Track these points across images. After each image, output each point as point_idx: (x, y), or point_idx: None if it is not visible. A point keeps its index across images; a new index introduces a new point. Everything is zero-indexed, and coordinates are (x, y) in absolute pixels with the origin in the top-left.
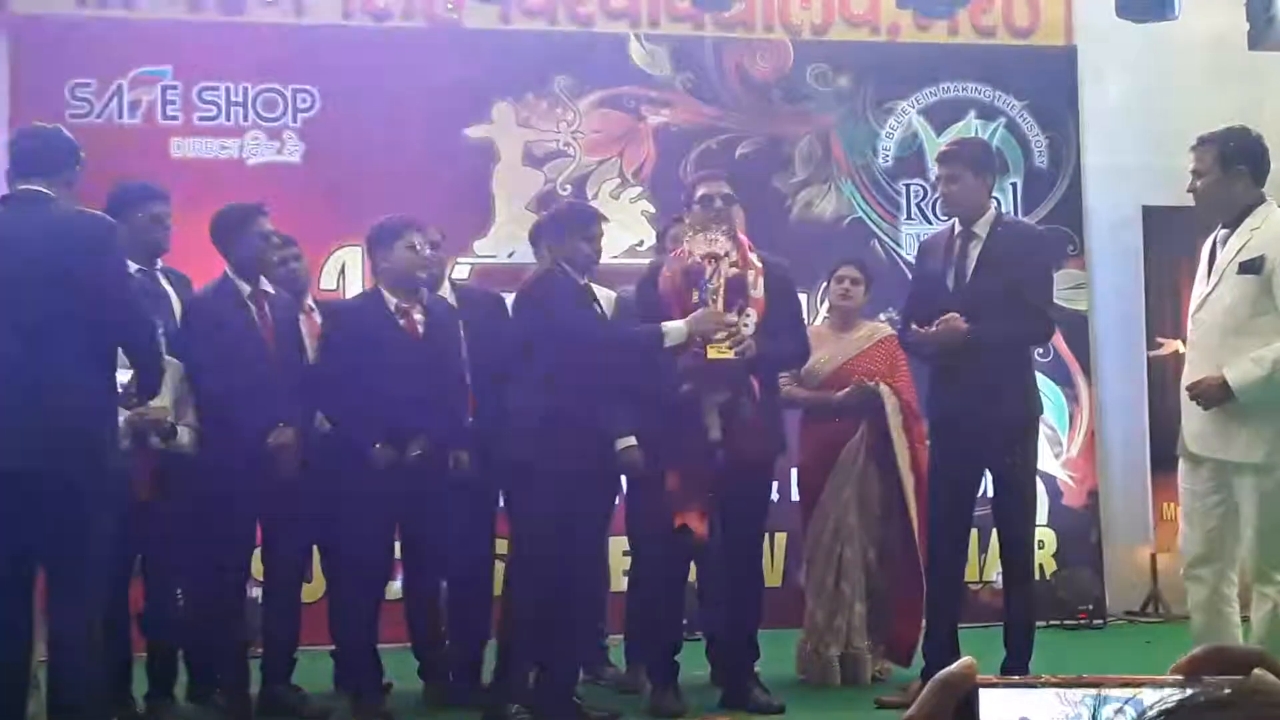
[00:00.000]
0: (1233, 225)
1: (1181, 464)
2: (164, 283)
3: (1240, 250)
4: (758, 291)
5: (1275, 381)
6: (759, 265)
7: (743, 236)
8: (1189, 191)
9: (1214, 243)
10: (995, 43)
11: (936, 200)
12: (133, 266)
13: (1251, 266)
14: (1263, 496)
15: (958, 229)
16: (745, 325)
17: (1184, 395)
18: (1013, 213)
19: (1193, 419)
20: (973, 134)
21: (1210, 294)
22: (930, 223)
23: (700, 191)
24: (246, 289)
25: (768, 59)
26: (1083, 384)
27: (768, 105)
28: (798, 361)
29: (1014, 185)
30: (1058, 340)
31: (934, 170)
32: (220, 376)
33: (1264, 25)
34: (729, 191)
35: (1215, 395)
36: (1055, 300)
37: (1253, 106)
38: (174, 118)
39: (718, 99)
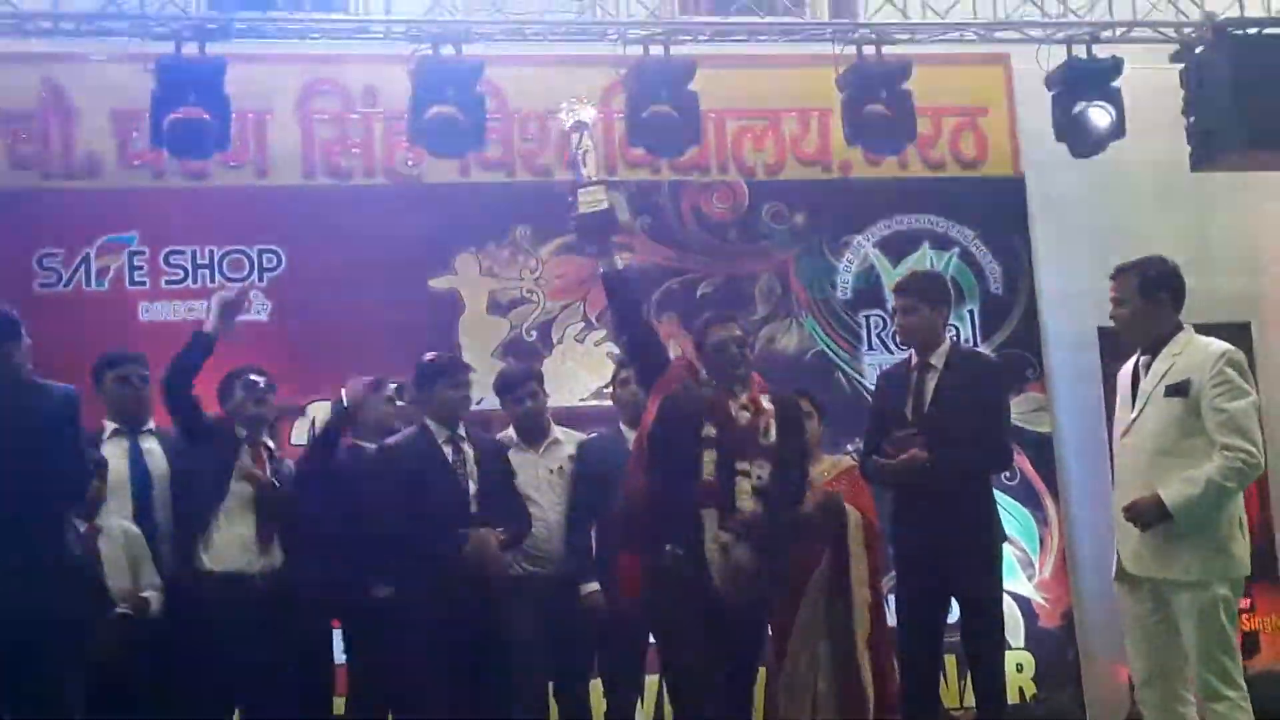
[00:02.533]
0: (1153, 351)
1: (1119, 586)
2: (150, 442)
3: (1165, 374)
4: (769, 439)
5: (1209, 501)
6: (769, 408)
7: (756, 376)
8: (1111, 319)
9: (1135, 368)
10: (945, 175)
11: (895, 331)
12: (110, 427)
13: (1178, 390)
14: (1201, 613)
15: (915, 360)
16: (758, 478)
17: (1118, 518)
18: (971, 339)
19: (1128, 540)
20: (927, 264)
21: (1137, 418)
22: (891, 352)
23: (714, 337)
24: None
25: (724, 200)
26: (1050, 505)
27: (726, 245)
28: (797, 500)
29: (971, 312)
30: (1023, 463)
31: (891, 301)
32: None
33: (1204, 148)
34: (741, 334)
35: (1152, 516)
36: (1017, 424)
37: (1198, 226)
38: (141, 283)
39: (676, 240)
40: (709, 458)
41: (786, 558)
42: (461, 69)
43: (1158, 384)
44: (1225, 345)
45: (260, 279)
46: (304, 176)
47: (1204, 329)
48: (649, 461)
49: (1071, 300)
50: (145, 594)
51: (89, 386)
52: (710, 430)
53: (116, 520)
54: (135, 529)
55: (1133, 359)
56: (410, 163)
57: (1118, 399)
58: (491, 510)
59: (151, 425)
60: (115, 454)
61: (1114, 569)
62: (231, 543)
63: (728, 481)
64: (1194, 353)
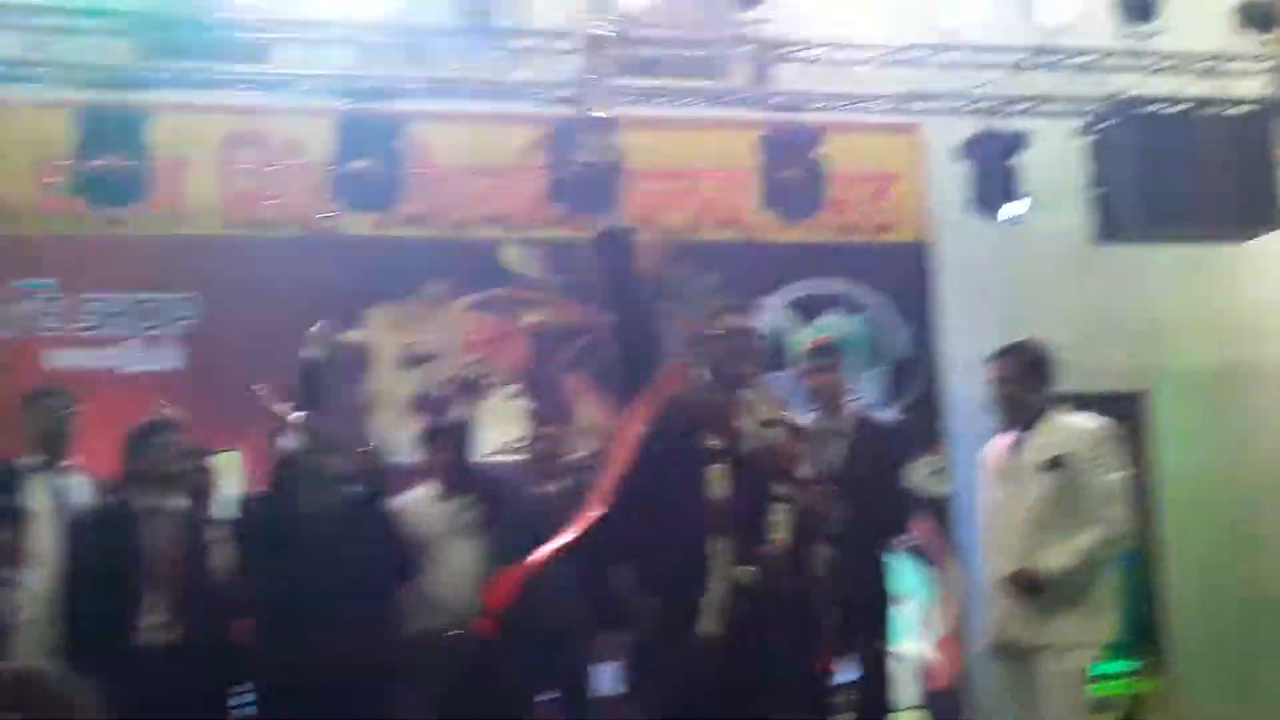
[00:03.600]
0: (1028, 427)
1: (992, 652)
2: (71, 477)
3: (1041, 450)
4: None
5: (1087, 569)
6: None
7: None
8: (990, 398)
9: (1007, 445)
10: (856, 240)
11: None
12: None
13: (1055, 464)
14: (1067, 679)
15: (818, 421)
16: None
17: (990, 588)
18: (878, 401)
19: (1002, 610)
20: (836, 327)
21: (1014, 491)
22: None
23: (724, 325)
24: None
25: (640, 259)
26: (947, 567)
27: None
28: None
29: (878, 375)
30: (923, 525)
31: (800, 364)
32: None
33: (1107, 221)
34: (755, 327)
35: (1034, 586)
36: (918, 486)
37: (1101, 296)
38: (54, 329)
39: (591, 298)
40: (718, 473)
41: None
42: (383, 124)
43: (1034, 459)
44: (1101, 420)
45: (174, 328)
46: (222, 226)
47: (1104, 397)
48: (639, 476)
49: (976, 365)
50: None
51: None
52: (715, 440)
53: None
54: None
55: (1003, 436)
56: (328, 215)
57: (986, 475)
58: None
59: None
60: (38, 492)
61: (987, 639)
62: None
63: (750, 505)
64: (1069, 429)
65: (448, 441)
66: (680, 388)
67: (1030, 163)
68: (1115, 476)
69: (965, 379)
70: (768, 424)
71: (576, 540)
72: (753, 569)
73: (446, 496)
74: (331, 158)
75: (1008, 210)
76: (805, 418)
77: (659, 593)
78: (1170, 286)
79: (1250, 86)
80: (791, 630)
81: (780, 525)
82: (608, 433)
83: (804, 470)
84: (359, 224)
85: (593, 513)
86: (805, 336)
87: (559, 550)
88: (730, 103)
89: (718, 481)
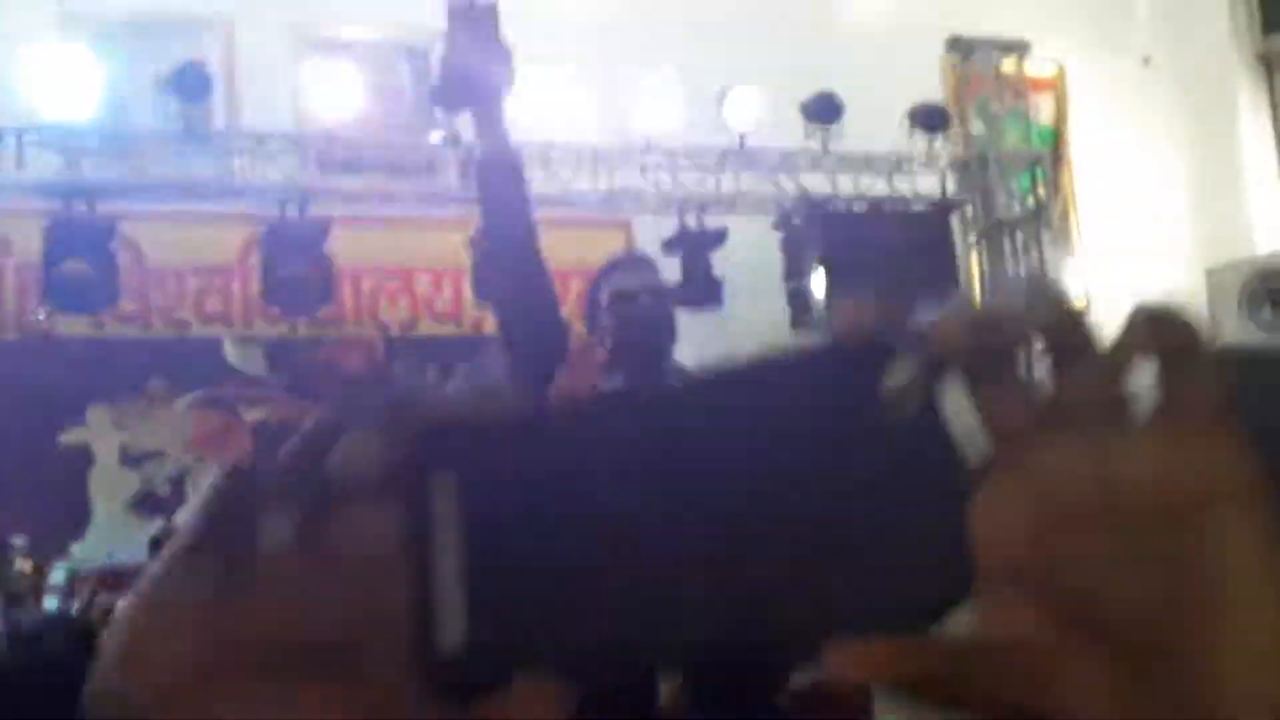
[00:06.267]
0: None
1: None
2: None
3: None
4: None
5: None
6: None
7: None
8: None
9: None
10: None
11: None
12: None
13: None
14: None
15: None
16: None
17: None
18: None
19: None
20: None
21: None
22: None
23: (615, 285)
24: None
25: (360, 354)
26: None
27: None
28: None
29: None
30: None
31: None
32: None
33: (800, 310)
34: (660, 285)
35: None
36: None
37: None
38: None
39: (313, 394)
40: None
41: None
42: (94, 227)
43: None
44: None
45: None
46: None
47: None
48: None
49: None
50: None
51: None
52: None
53: None
54: None
55: None
56: (41, 316)
57: None
58: None
59: None
60: None
61: None
62: None
63: None
64: None
65: None
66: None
67: (735, 254)
68: None
69: None
70: None
71: None
72: None
73: None
74: (43, 262)
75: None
76: None
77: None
78: None
79: (928, 184)
80: None
81: None
82: None
83: None
84: (74, 324)
85: None
86: None
87: None
88: (441, 201)
89: None
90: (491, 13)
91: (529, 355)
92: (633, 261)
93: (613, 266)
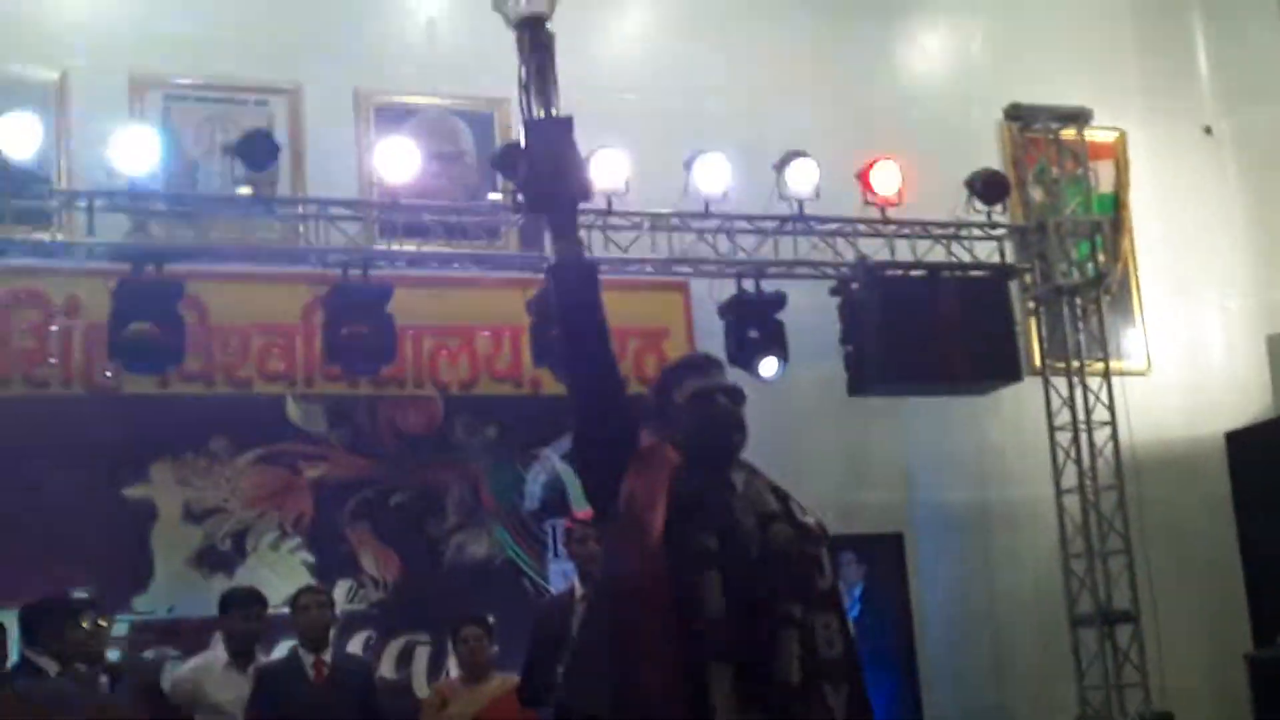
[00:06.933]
0: None
1: None
2: None
3: None
4: (826, 578)
5: None
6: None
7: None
8: None
9: None
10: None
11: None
12: None
13: None
14: None
15: (579, 589)
16: (825, 631)
17: None
18: None
19: None
20: None
21: None
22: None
23: (691, 388)
24: None
25: (419, 413)
26: None
27: (419, 455)
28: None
29: None
30: None
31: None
32: None
33: (858, 374)
34: (732, 386)
35: None
36: None
37: (856, 443)
38: None
39: (372, 451)
40: (713, 582)
41: None
42: (162, 289)
43: None
44: None
45: None
46: (1, 386)
47: (860, 539)
48: (665, 589)
49: None
50: None
51: None
52: (710, 542)
53: None
54: None
55: None
56: (109, 374)
57: None
58: None
59: None
60: None
61: None
62: None
63: (754, 626)
64: None
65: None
66: (677, 469)
67: (790, 318)
68: None
69: None
70: (769, 518)
71: None
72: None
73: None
74: (110, 323)
75: (766, 366)
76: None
77: None
78: (918, 434)
79: (986, 250)
80: None
81: (792, 661)
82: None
83: (824, 583)
84: (140, 382)
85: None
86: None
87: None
88: (502, 266)
89: (715, 595)
90: (568, 124)
91: (600, 462)
92: (706, 362)
93: (685, 366)
